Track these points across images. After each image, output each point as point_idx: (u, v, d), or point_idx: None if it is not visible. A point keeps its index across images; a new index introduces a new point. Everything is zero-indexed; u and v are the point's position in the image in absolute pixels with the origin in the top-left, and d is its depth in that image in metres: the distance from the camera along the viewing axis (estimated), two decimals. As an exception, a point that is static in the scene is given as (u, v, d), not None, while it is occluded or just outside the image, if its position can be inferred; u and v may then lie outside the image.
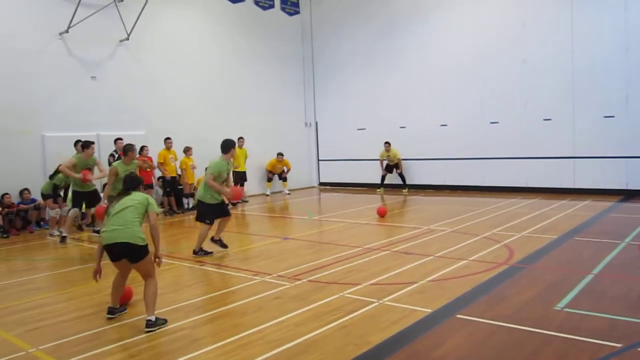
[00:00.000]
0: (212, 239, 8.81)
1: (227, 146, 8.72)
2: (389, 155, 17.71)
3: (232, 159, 9.01)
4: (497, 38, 15.91)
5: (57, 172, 11.60)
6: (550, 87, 15.03)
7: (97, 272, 5.59)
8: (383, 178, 17.99)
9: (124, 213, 5.50)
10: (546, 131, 15.16)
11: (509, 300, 5.76)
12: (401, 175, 17.76)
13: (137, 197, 5.67)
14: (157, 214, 5.77)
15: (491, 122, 16.18)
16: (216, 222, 8.82)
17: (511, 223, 10.56)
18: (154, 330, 5.21)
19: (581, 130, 14.64)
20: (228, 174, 8.87)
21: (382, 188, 17.93)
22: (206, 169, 9.15)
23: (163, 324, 5.35)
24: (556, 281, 6.42)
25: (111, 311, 5.72)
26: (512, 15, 15.64)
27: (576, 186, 14.79)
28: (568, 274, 6.68)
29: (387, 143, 17.64)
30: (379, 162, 17.99)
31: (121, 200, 5.63)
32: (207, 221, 8.63)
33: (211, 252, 8.69)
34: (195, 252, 8.65)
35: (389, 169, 17.90)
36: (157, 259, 5.67)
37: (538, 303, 5.60)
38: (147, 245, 5.49)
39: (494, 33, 15.96)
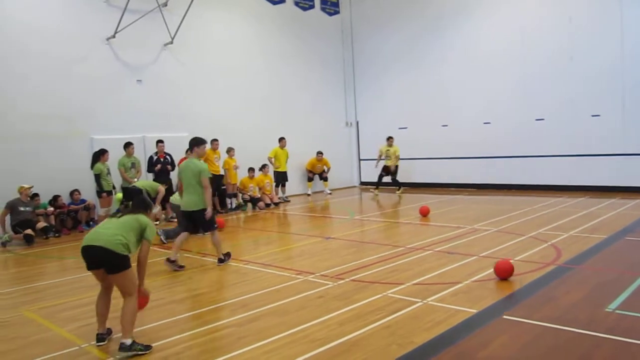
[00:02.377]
0: (169, 260, 8.04)
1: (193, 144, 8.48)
2: (388, 150, 17.12)
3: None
4: (543, 34, 15.53)
5: (94, 161, 11.97)
6: (599, 84, 14.57)
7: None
8: (380, 178, 17.38)
9: (118, 221, 5.03)
10: (594, 128, 14.72)
11: (556, 301, 5.62)
12: (395, 180, 17.23)
13: (141, 218, 5.10)
14: (150, 245, 5.17)
15: (536, 119, 15.81)
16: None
17: (558, 222, 10.30)
18: (127, 355, 4.66)
19: (631, 127, 14.16)
20: None
21: (377, 189, 17.42)
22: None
23: (141, 350, 4.69)
24: (606, 282, 6.24)
25: (100, 338, 5.06)
26: (558, 10, 15.24)
27: (627, 184, 14.29)
28: (619, 275, 6.48)
29: (390, 138, 17.18)
30: (376, 159, 17.48)
31: (123, 217, 5.12)
32: (215, 226, 8.23)
33: (229, 253, 8.49)
34: (221, 260, 8.27)
35: (385, 169, 17.26)
36: (140, 291, 5.13)
37: (587, 304, 5.46)
38: (128, 257, 4.87)
39: (540, 29, 15.59)
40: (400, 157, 17.24)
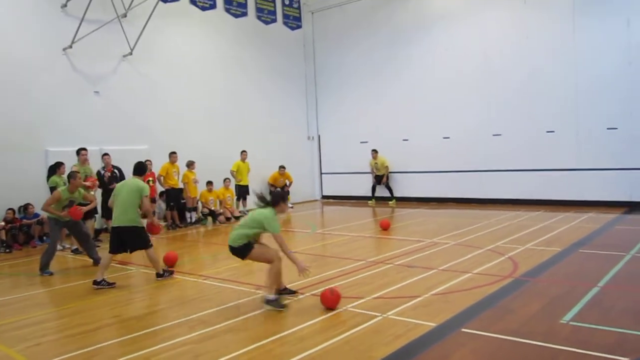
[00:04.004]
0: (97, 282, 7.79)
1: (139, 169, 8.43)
2: (376, 163, 17.93)
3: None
4: (501, 50, 15.95)
5: (50, 174, 11.42)
6: (554, 100, 15.04)
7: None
8: (374, 189, 18.20)
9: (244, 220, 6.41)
10: (550, 143, 15.15)
11: (514, 313, 5.70)
12: (388, 187, 17.91)
13: None
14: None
15: (494, 135, 16.17)
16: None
17: (515, 235, 10.50)
18: (270, 308, 6.04)
19: (585, 142, 14.63)
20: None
21: (373, 200, 18.10)
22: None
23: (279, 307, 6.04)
24: (561, 294, 6.37)
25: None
26: (515, 28, 15.69)
27: (580, 198, 14.72)
28: (573, 287, 6.63)
29: (374, 151, 17.97)
30: (370, 172, 18.31)
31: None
32: (150, 243, 8.09)
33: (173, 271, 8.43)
34: (160, 275, 8.15)
35: (377, 179, 18.08)
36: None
37: (544, 317, 5.55)
38: (248, 245, 6.28)
39: (497, 45, 16.01)
40: (363, 173, 17.56)
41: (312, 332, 5.39)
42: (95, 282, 7.73)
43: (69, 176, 9.26)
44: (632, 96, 13.82)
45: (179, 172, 14.50)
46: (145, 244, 8.05)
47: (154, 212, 8.64)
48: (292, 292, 6.82)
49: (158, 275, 8.15)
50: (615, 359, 4.38)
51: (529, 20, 15.44)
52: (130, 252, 8.21)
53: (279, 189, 17.87)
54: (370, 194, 18.27)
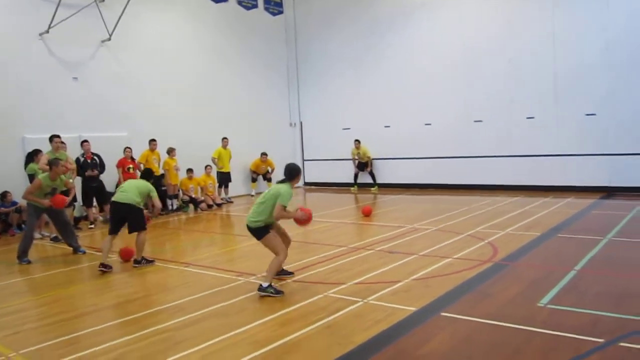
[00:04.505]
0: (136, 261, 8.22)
1: None
2: (359, 153, 18.08)
3: None
4: (482, 37, 15.98)
5: (28, 161, 11.32)
6: (533, 86, 15.15)
7: None
8: (356, 176, 18.39)
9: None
10: (530, 129, 15.29)
11: (492, 297, 5.78)
12: (371, 174, 18.09)
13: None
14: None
15: (475, 121, 16.27)
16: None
17: (495, 221, 10.61)
18: (263, 294, 6.13)
19: (564, 128, 14.78)
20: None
21: (356, 186, 18.27)
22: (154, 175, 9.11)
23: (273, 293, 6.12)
24: (539, 278, 6.46)
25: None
26: (496, 14, 15.74)
27: (559, 183, 14.91)
28: (551, 271, 6.73)
29: (357, 141, 18.10)
30: (351, 160, 18.42)
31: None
32: (145, 227, 8.27)
33: (152, 261, 8.38)
34: (137, 262, 8.18)
35: (360, 167, 18.24)
36: None
37: (522, 300, 5.63)
38: (265, 228, 6.42)
39: (478, 32, 16.04)
40: (347, 159, 17.68)
41: (293, 317, 5.41)
42: (102, 265, 7.85)
43: (51, 163, 9.13)
44: (610, 82, 13.96)
45: (159, 159, 14.40)
46: (143, 227, 8.19)
47: (146, 205, 8.64)
48: (290, 273, 7.04)
49: (136, 262, 8.16)
50: (589, 339, 4.47)
51: (509, 6, 15.49)
52: (130, 232, 8.25)
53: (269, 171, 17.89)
54: (352, 181, 18.34)
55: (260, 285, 6.22)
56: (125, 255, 8.53)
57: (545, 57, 14.87)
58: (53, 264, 8.87)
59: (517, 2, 15.37)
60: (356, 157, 18.21)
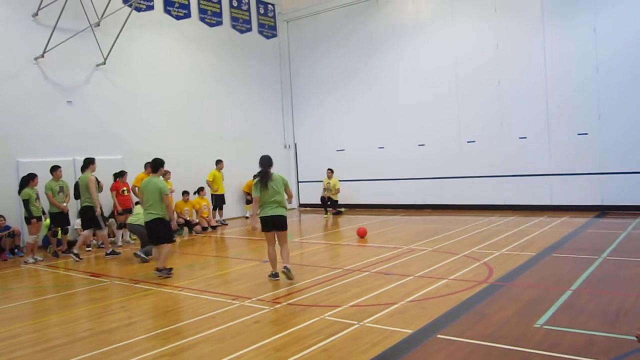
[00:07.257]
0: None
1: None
2: (329, 183, 17.63)
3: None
4: (472, 59, 16.18)
5: (22, 186, 11.34)
6: (525, 106, 15.30)
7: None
8: (324, 203, 17.67)
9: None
10: (522, 149, 15.39)
11: (488, 318, 5.76)
12: (333, 202, 17.57)
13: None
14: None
15: (468, 141, 16.38)
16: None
17: (490, 241, 10.63)
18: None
19: (556, 148, 14.90)
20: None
21: (328, 212, 17.61)
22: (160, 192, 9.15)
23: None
24: (535, 298, 6.45)
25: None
26: (486, 36, 15.94)
27: (553, 203, 14.97)
28: (547, 291, 6.72)
29: (329, 170, 17.72)
30: (323, 188, 17.85)
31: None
32: (173, 239, 9.10)
33: (170, 269, 9.03)
34: (159, 270, 8.87)
35: (325, 199, 17.61)
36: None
37: (517, 321, 5.62)
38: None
39: (469, 54, 16.24)
40: (340, 180, 17.61)
41: (288, 341, 5.37)
42: (157, 270, 8.88)
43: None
44: (601, 102, 14.13)
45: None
46: (170, 238, 9.00)
47: None
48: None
49: (158, 270, 8.85)
50: (586, 361, 4.45)
51: (499, 28, 15.70)
52: (157, 243, 9.05)
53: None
54: (344, 203, 18.17)
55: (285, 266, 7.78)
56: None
57: (536, 78, 15.05)
58: (47, 289, 8.79)
59: (507, 24, 15.59)
60: (325, 187, 17.69)
